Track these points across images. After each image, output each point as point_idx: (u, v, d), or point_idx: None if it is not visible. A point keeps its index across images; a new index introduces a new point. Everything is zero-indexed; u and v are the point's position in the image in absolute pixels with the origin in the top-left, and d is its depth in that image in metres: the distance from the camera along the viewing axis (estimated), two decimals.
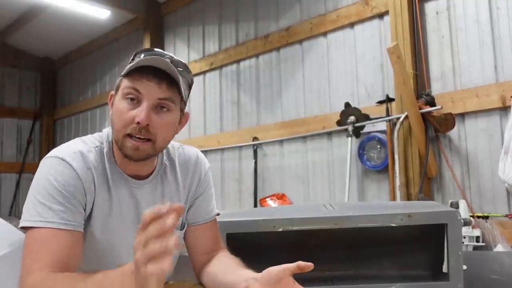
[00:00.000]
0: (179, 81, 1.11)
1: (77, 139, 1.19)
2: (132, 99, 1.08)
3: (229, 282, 1.13)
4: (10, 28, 6.50)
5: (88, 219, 1.13)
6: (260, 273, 1.03)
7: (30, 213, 1.05)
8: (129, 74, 1.09)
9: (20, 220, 1.07)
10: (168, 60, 1.10)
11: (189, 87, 1.22)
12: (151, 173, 1.23)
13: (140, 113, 1.06)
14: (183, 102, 1.19)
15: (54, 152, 1.13)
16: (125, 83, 1.10)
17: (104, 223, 1.15)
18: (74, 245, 1.06)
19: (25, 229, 1.06)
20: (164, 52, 1.18)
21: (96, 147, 1.17)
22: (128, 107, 1.08)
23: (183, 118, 1.21)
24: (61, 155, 1.10)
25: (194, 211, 1.33)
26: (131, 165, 1.18)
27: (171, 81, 1.10)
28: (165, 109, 1.11)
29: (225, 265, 1.22)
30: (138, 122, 1.06)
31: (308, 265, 0.98)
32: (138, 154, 1.10)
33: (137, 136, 1.08)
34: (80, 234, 1.09)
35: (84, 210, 1.11)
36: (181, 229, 1.30)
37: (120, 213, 1.17)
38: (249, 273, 1.09)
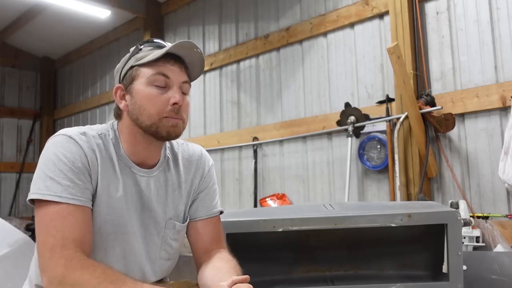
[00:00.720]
0: (202, 61, 1.22)
1: (82, 126, 1.23)
2: (158, 85, 1.16)
3: None
4: (10, 28, 6.49)
5: (94, 198, 1.15)
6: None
7: (38, 186, 1.08)
8: (148, 63, 1.17)
9: (29, 193, 1.09)
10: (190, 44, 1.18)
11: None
12: (155, 165, 1.26)
13: (175, 94, 1.16)
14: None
15: (61, 131, 1.17)
16: (148, 71, 1.17)
17: (109, 204, 1.17)
18: (87, 221, 1.10)
19: (32, 202, 1.09)
20: (164, 42, 1.25)
21: (101, 134, 1.21)
22: (158, 91, 1.16)
23: None
24: (69, 134, 1.15)
25: (197, 205, 1.34)
26: (142, 152, 1.22)
27: (185, 65, 1.22)
28: (185, 92, 1.21)
29: (216, 271, 1.21)
30: (175, 103, 1.16)
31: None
32: (176, 131, 1.18)
33: (173, 116, 1.16)
34: (89, 210, 1.12)
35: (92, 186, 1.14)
36: (183, 222, 1.31)
37: (125, 199, 1.19)
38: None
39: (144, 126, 1.17)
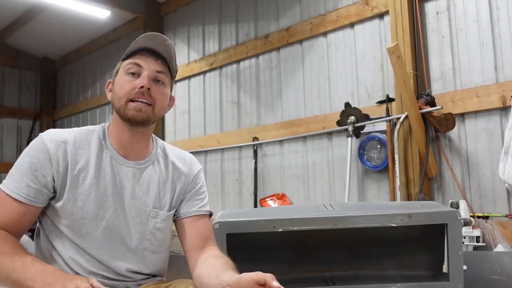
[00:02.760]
0: (173, 54, 1.31)
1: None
2: (133, 74, 1.26)
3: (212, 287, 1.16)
4: (10, 28, 6.49)
5: (62, 187, 1.23)
6: (233, 280, 1.06)
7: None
8: (128, 57, 1.29)
9: None
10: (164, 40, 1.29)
11: (176, 71, 1.38)
12: (144, 158, 1.33)
13: (142, 79, 1.25)
14: (172, 82, 1.37)
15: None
16: (126, 62, 1.29)
17: (82, 192, 1.23)
18: (24, 215, 1.20)
19: None
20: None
21: (88, 130, 1.32)
22: (130, 79, 1.26)
23: (171, 99, 1.38)
24: (42, 133, 1.26)
25: (186, 204, 1.39)
26: (127, 141, 1.29)
27: (164, 61, 1.30)
28: (161, 82, 1.29)
29: (210, 268, 1.23)
30: (142, 87, 1.23)
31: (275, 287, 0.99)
32: (141, 116, 1.24)
33: (140, 99, 1.24)
34: (32, 209, 1.21)
35: (54, 181, 1.22)
36: (169, 211, 1.35)
37: (105, 187, 1.26)
38: (227, 279, 1.10)
39: (116, 110, 1.27)
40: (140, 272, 1.30)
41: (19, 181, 1.20)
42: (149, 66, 1.27)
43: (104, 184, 1.26)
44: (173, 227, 1.41)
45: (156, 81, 1.28)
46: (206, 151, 4.81)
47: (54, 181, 1.22)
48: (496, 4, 2.97)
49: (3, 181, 1.23)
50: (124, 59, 1.31)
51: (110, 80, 1.35)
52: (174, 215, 1.38)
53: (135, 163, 1.31)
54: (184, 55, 5.26)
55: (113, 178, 1.27)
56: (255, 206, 4.29)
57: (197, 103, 5.08)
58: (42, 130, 7.44)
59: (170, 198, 1.36)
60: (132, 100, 1.24)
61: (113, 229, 1.25)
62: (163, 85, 1.30)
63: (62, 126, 7.53)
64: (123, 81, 1.27)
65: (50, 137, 1.24)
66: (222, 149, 4.75)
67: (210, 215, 1.44)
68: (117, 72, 1.32)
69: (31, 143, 1.24)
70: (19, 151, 7.35)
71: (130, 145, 1.30)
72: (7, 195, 1.20)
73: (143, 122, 1.26)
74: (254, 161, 4.37)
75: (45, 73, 7.67)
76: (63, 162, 1.22)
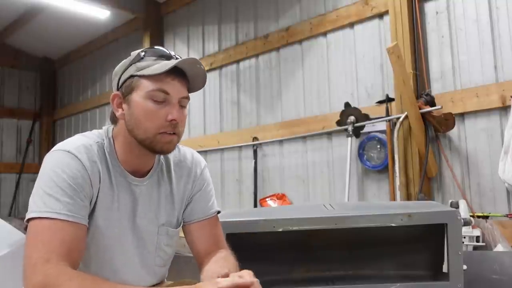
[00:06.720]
0: (205, 76, 1.23)
1: (77, 135, 1.21)
2: (157, 100, 1.15)
3: None
4: (10, 28, 6.50)
5: (93, 211, 1.14)
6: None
7: (37, 204, 1.05)
8: (151, 76, 1.15)
9: (27, 213, 1.06)
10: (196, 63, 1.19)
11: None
12: (148, 171, 1.26)
13: (172, 111, 1.15)
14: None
15: (58, 146, 1.15)
16: (149, 84, 1.15)
17: (106, 216, 1.16)
18: (80, 238, 1.07)
19: (31, 220, 1.05)
20: (168, 50, 1.24)
21: (97, 142, 1.19)
22: (157, 106, 1.15)
23: None
24: (67, 148, 1.12)
25: (192, 208, 1.34)
26: (135, 161, 1.21)
27: (185, 79, 1.21)
28: (183, 105, 1.21)
29: (219, 268, 1.20)
30: (173, 120, 1.15)
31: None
32: (170, 147, 1.19)
33: (169, 132, 1.16)
34: (85, 228, 1.10)
35: (90, 202, 1.13)
36: (175, 228, 1.31)
37: (120, 210, 1.19)
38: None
39: (139, 139, 1.16)
40: (150, 285, 1.28)
41: (65, 202, 1.05)
42: (176, 93, 1.16)
43: (121, 207, 1.19)
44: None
45: (180, 104, 1.19)
46: (206, 151, 4.81)
47: (90, 204, 1.13)
48: (495, 4, 2.97)
49: (38, 207, 1.04)
50: (142, 76, 1.16)
51: (117, 93, 1.21)
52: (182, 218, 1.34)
53: (142, 179, 1.24)
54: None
55: (128, 200, 1.20)
56: (255, 206, 4.29)
57: (197, 103, 5.08)
58: (41, 131, 7.50)
59: (177, 212, 1.31)
60: (161, 133, 1.15)
61: (127, 254, 1.21)
62: (185, 108, 1.21)
63: (62, 127, 7.53)
64: (148, 109, 1.14)
65: (78, 152, 1.12)
66: (222, 149, 4.75)
67: (218, 212, 1.39)
68: (131, 90, 1.17)
69: (57, 159, 1.10)
70: (19, 151, 7.36)
71: (140, 163, 1.24)
72: (57, 220, 1.03)
73: (169, 153, 1.23)
74: (254, 161, 4.37)
75: (45, 73, 7.67)
76: (97, 183, 1.14)
